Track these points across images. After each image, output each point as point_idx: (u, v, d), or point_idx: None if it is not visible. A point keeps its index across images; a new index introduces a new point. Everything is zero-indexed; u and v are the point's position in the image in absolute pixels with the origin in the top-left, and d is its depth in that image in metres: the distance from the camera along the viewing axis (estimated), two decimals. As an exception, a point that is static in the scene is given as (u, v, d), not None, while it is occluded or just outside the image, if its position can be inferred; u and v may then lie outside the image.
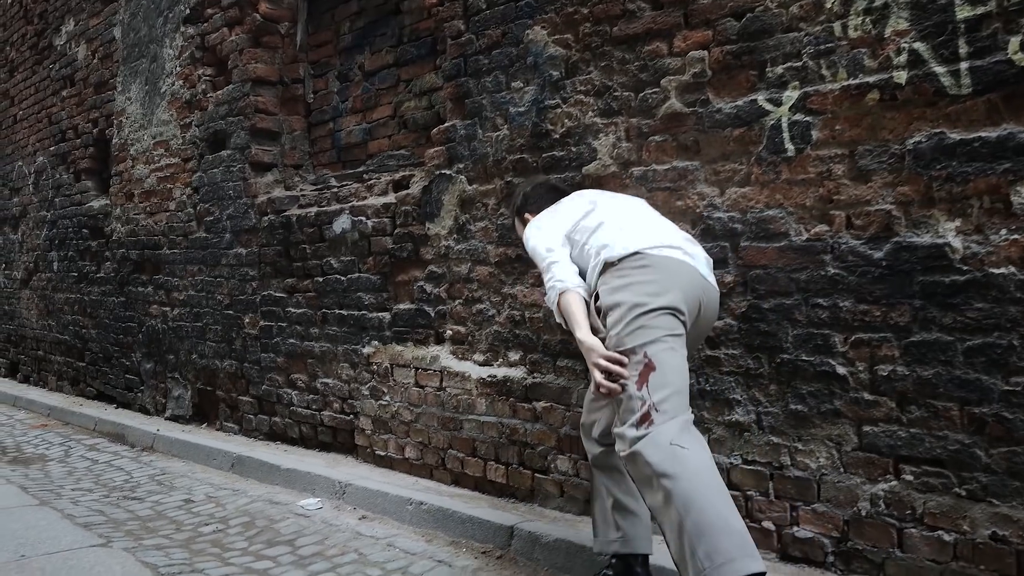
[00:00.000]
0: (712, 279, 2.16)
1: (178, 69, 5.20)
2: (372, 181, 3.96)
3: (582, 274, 2.23)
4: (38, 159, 7.20)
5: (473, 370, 3.32)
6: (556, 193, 2.62)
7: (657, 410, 1.88)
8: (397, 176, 3.84)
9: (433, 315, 3.51)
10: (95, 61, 6.30)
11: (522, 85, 3.11)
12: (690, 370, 2.06)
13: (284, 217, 4.32)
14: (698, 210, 2.57)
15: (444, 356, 3.46)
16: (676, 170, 2.63)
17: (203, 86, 4.96)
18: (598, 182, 2.85)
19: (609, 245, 2.13)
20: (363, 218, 3.85)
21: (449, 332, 3.44)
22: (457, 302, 3.40)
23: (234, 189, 4.69)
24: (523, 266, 3.12)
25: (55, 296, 6.82)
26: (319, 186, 4.34)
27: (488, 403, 3.25)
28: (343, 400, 3.99)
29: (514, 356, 3.16)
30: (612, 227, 2.19)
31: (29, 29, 7.41)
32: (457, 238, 3.39)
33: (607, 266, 2.12)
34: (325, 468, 3.79)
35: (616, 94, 2.79)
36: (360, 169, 4.19)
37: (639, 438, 1.86)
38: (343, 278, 3.97)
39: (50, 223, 6.91)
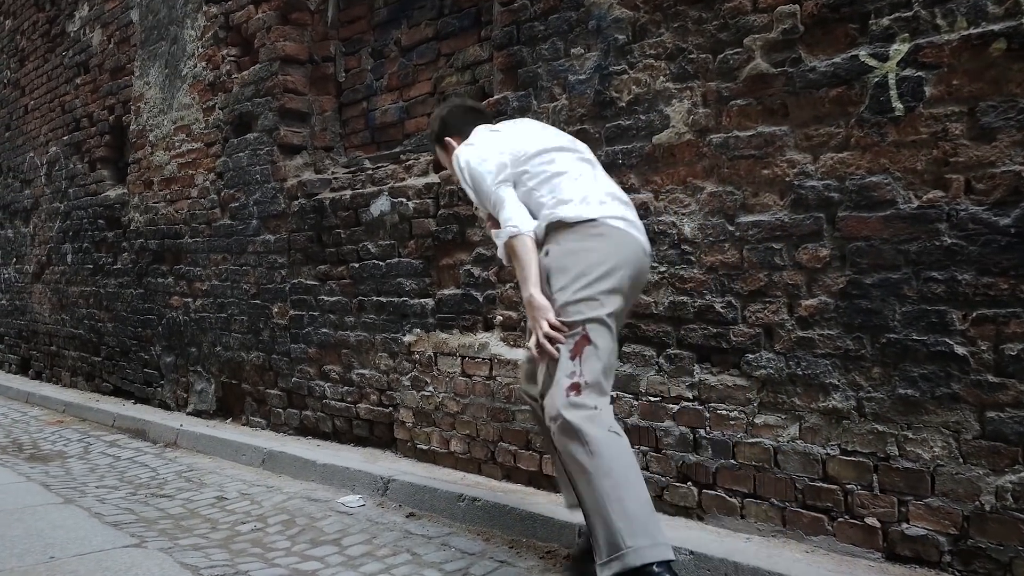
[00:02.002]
0: (648, 247, 2.21)
1: (200, 51, 5.00)
2: (411, 161, 3.76)
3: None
4: (51, 149, 7.00)
5: (526, 357, 3.11)
6: (478, 115, 2.56)
7: (586, 383, 1.99)
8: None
9: (481, 300, 3.31)
10: (111, 46, 6.10)
11: (583, 51, 2.91)
12: (779, 354, 2.31)
13: (316, 201, 4.12)
14: (787, 179, 2.36)
15: (494, 343, 3.25)
16: (762, 136, 2.42)
17: (227, 67, 4.76)
18: (670, 152, 2.65)
19: (567, 202, 2.11)
20: (404, 199, 3.65)
21: (499, 318, 3.24)
22: (508, 286, 3.20)
23: (261, 173, 4.49)
24: (584, 245, 2.91)
25: (69, 289, 6.62)
26: (352, 168, 4.14)
27: (544, 392, 3.04)
28: (381, 392, 3.79)
29: (573, 342, 2.95)
30: (571, 182, 2.16)
31: (40, 16, 7.21)
32: (508, 217, 3.17)
33: (561, 224, 2.10)
34: (364, 463, 3.59)
35: (691, 56, 2.59)
36: (397, 150, 3.98)
37: (573, 405, 1.97)
38: (381, 263, 3.77)
39: (63, 215, 6.71)
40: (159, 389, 5.43)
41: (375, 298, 3.81)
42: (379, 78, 4.15)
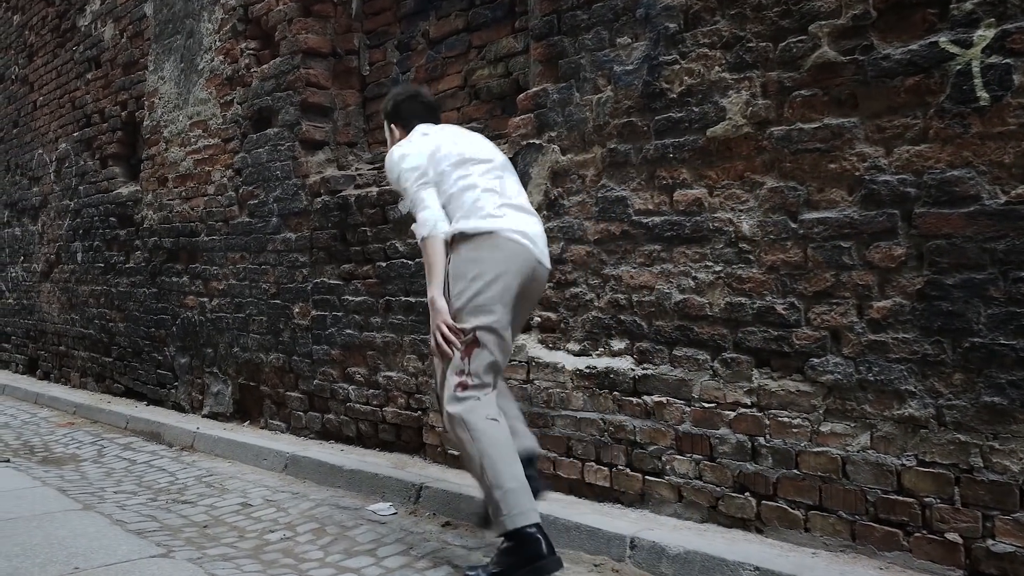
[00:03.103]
0: (547, 259, 2.48)
1: (218, 44, 4.88)
2: (439, 157, 3.62)
3: None
4: (60, 146, 6.88)
5: (567, 361, 2.99)
6: (427, 112, 2.76)
7: (473, 381, 2.31)
8: (470, 150, 3.50)
9: (518, 300, 3.18)
10: (123, 40, 5.97)
11: (630, 41, 2.78)
12: (848, 358, 2.26)
13: (340, 198, 3.99)
14: (857, 173, 2.24)
15: (531, 345, 3.13)
16: (828, 128, 2.30)
17: (246, 61, 4.64)
18: (726, 145, 2.52)
19: (469, 216, 2.37)
20: (434, 196, 3.51)
21: (537, 319, 3.11)
22: (547, 286, 3.07)
23: (282, 169, 4.37)
24: (629, 244, 2.79)
25: (79, 289, 6.50)
26: (378, 164, 4.01)
27: (587, 397, 2.92)
28: (409, 395, 3.66)
29: (618, 345, 2.83)
30: (477, 195, 2.40)
31: (50, 11, 7.09)
32: (548, 215, 3.05)
33: (463, 235, 2.36)
34: (393, 469, 3.46)
35: (750, 45, 2.46)
36: (424, 145, 3.85)
37: (458, 399, 2.30)
38: (410, 262, 3.64)
39: (73, 212, 6.59)
40: (173, 391, 5.30)
41: (403, 298, 3.68)
42: (405, 72, 4.03)
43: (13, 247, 7.76)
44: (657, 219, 2.71)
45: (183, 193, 5.18)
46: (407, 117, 2.74)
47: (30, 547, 2.77)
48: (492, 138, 3.46)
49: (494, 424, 2.30)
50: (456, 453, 3.41)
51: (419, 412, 3.61)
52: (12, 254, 7.79)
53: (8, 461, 4.25)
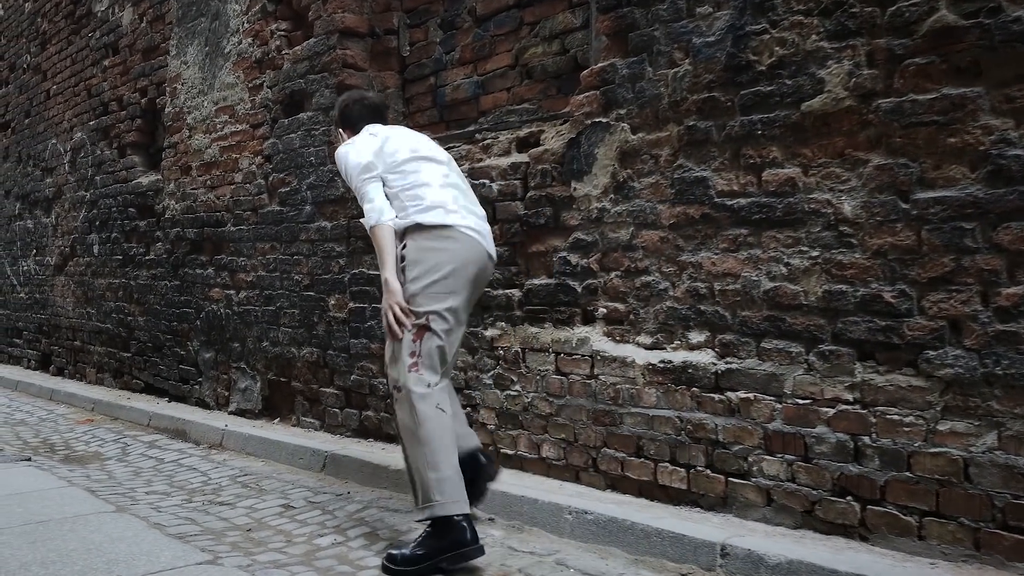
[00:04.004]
0: (493, 251, 2.64)
1: (246, 26, 4.68)
2: (488, 141, 3.43)
3: None
4: (75, 135, 6.69)
5: (637, 354, 2.80)
6: (374, 115, 2.88)
7: (423, 363, 2.41)
8: (523, 132, 3.31)
9: (580, 290, 2.99)
10: (143, 25, 5.78)
11: (711, 10, 2.59)
12: (971, 350, 2.07)
13: (381, 184, 3.79)
14: (982, 147, 2.04)
15: (596, 338, 2.93)
16: (947, 99, 2.10)
17: (277, 42, 4.44)
18: (824, 120, 2.33)
19: (426, 210, 2.48)
20: (486, 181, 3.32)
21: (602, 310, 2.92)
22: (613, 274, 2.88)
23: (316, 155, 4.17)
24: (710, 228, 2.60)
25: (95, 282, 6.31)
26: (419, 149, 3.81)
27: (660, 394, 2.72)
28: (458, 391, 3.45)
29: (697, 337, 2.64)
30: (431, 191, 2.52)
31: (65, -3, 6.90)
32: (615, 198, 2.86)
33: (419, 227, 2.47)
34: (442, 469, 3.27)
35: (853, 11, 2.27)
36: (471, 128, 3.66)
37: (410, 387, 2.40)
38: (458, 251, 3.44)
39: (89, 203, 6.40)
40: (197, 387, 5.11)
41: (450, 289, 3.48)
42: (449, 51, 3.83)
43: (25, 240, 7.57)
44: (743, 201, 2.51)
45: (208, 182, 4.99)
46: (354, 120, 2.87)
47: (66, 553, 2.58)
48: (547, 119, 3.30)
49: (441, 414, 2.42)
50: (506, 451, 3.23)
51: (468, 409, 3.41)
52: (24, 247, 7.60)
53: (29, 459, 4.07)
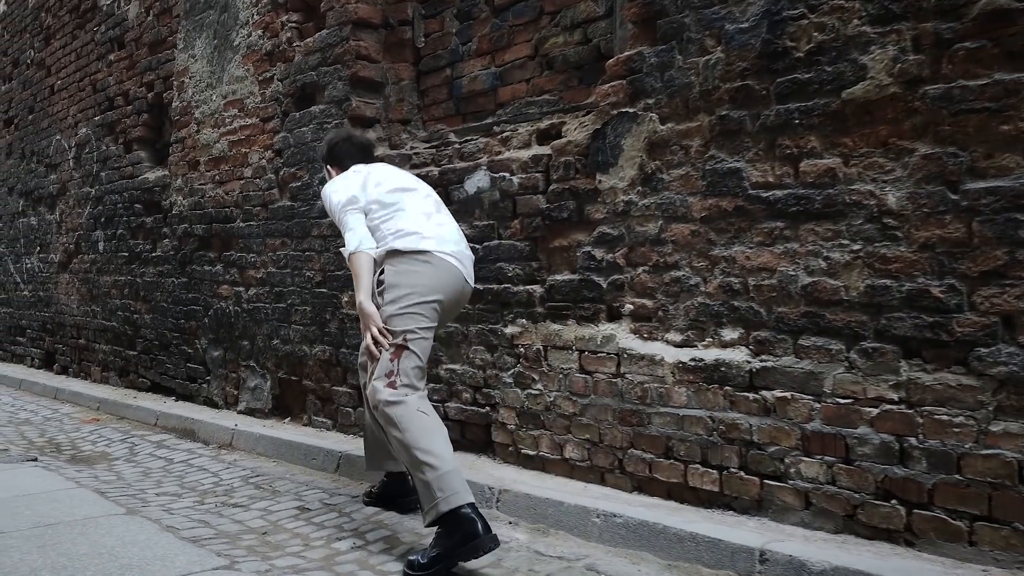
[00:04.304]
0: (471, 276, 2.75)
1: (256, 18, 4.59)
2: (506, 133, 3.34)
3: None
4: (80, 131, 6.60)
5: (666, 352, 2.71)
6: (363, 154, 3.04)
7: (401, 381, 2.48)
8: (543, 124, 3.22)
9: (605, 286, 2.90)
10: (149, 19, 5.69)
11: (746, -5, 2.49)
12: None
13: (396, 178, 3.70)
14: (1038, 135, 1.95)
15: (622, 336, 2.84)
16: (999, 85, 2.01)
17: (288, 34, 4.35)
18: (866, 108, 2.24)
19: (403, 236, 2.59)
20: (506, 174, 3.24)
21: (629, 306, 2.83)
22: (641, 269, 2.79)
23: (328, 149, 4.08)
24: (744, 221, 2.51)
25: (100, 279, 6.22)
26: (435, 143, 3.72)
27: (691, 393, 2.63)
28: (475, 389, 3.38)
29: (730, 334, 2.55)
30: (408, 219, 2.64)
31: (69, -9, 6.80)
32: (643, 191, 2.77)
33: (397, 252, 2.58)
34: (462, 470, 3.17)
35: (898, -6, 2.17)
36: (489, 120, 3.58)
37: (388, 400, 2.45)
38: (477, 246, 3.35)
39: (95, 200, 6.31)
40: (205, 386, 5.02)
41: (468, 285, 3.40)
42: (466, 42, 3.74)
43: (28, 237, 7.48)
44: (779, 193, 2.42)
45: (216, 177, 4.90)
46: (342, 158, 3.01)
47: (76, 557, 2.50)
48: (569, 110, 3.21)
49: (422, 415, 2.46)
50: (527, 452, 3.14)
51: (487, 408, 3.33)
52: (27, 244, 7.51)
53: (36, 460, 3.98)
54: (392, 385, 2.48)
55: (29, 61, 7.55)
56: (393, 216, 2.66)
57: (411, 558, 2.36)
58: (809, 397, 2.35)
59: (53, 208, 7.01)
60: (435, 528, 2.37)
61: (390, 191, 2.73)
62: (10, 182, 7.87)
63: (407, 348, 2.51)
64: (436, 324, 2.62)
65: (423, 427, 2.43)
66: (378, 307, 2.57)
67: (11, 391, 6.61)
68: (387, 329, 2.52)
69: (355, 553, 2.58)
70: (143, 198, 5.65)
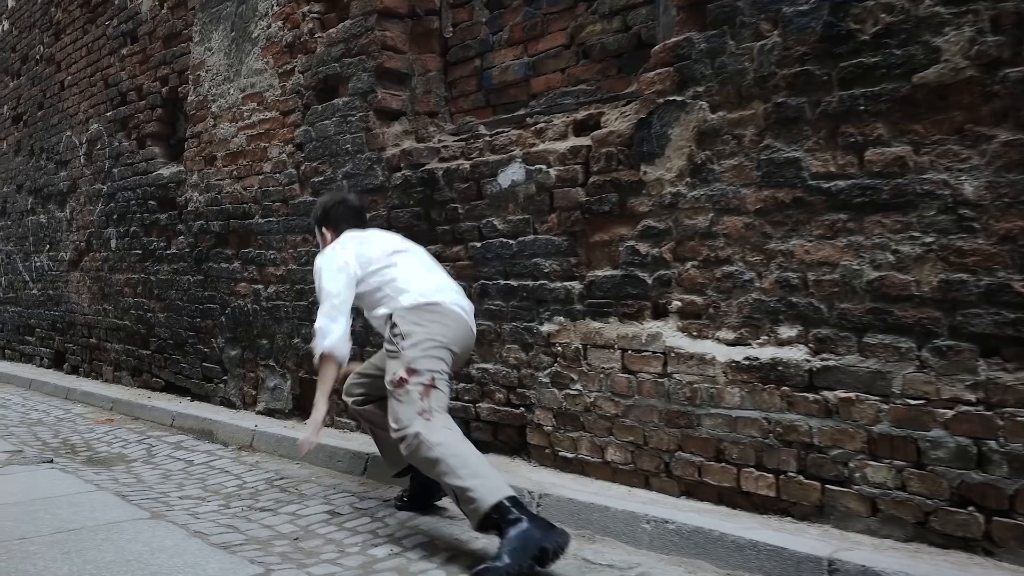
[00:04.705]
0: (474, 326, 2.82)
1: (275, 9, 4.48)
2: (540, 125, 3.23)
3: (356, 309, 2.84)
4: (91, 127, 6.49)
5: (717, 351, 2.59)
6: (357, 218, 3.09)
7: (432, 412, 2.51)
8: (580, 115, 3.11)
9: (650, 282, 2.78)
10: (164, 11, 5.58)
11: (806, -24, 2.38)
12: None
13: (425, 172, 3.60)
14: None
15: (669, 334, 2.73)
16: (1090, 67, 1.89)
17: (310, 25, 4.24)
18: (939, 93, 2.12)
19: (407, 292, 2.69)
20: (543, 167, 3.12)
21: (676, 303, 2.71)
22: (689, 264, 2.67)
23: (353, 142, 3.97)
24: (803, 213, 2.39)
25: (112, 277, 6.11)
26: (464, 135, 3.61)
27: (745, 393, 2.52)
28: (509, 389, 3.26)
29: (788, 332, 2.43)
30: (411, 277, 2.75)
31: (80, -15, 6.69)
32: (692, 182, 2.66)
33: (404, 309, 2.67)
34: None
35: (976, -28, 2.06)
36: (521, 112, 3.46)
37: (418, 431, 2.46)
38: (511, 241, 3.25)
39: (107, 197, 6.20)
40: (221, 386, 4.91)
41: (502, 282, 3.28)
42: (496, 32, 3.63)
43: (38, 235, 7.37)
44: (842, 183, 2.31)
45: (234, 172, 4.79)
46: (337, 221, 3.05)
47: (103, 565, 2.39)
48: (607, 100, 3.10)
49: (449, 431, 2.49)
50: (564, 454, 3.02)
51: (521, 409, 3.21)
52: (37, 242, 7.40)
53: (52, 461, 3.87)
54: (426, 415, 2.50)
55: (38, 57, 7.44)
56: (394, 279, 2.74)
57: (483, 567, 2.22)
58: (876, 398, 2.23)
59: (63, 205, 6.90)
60: (490, 533, 2.35)
61: (388, 254, 2.81)
62: (19, 179, 7.77)
63: (435, 387, 2.55)
64: (450, 367, 2.67)
65: (453, 439, 2.46)
66: (393, 356, 2.62)
67: (21, 391, 6.50)
68: (412, 369, 2.55)
69: (393, 560, 2.47)
70: (157, 194, 5.54)
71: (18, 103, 7.85)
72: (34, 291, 7.45)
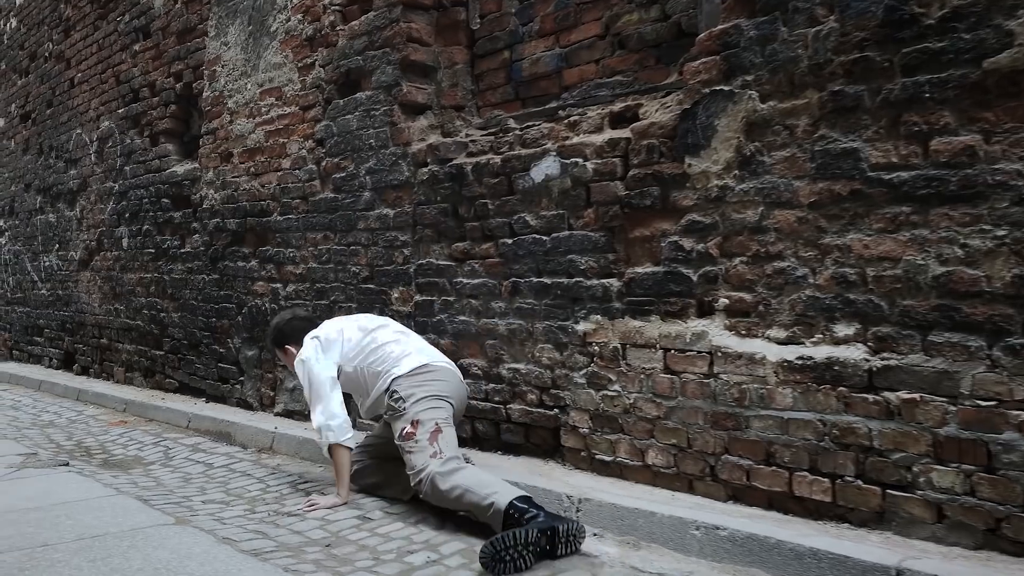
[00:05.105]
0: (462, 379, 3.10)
1: (295, 1, 4.39)
2: (574, 117, 3.14)
3: (347, 393, 3.11)
4: (103, 124, 6.40)
5: (768, 350, 2.49)
6: (307, 324, 3.28)
7: (442, 453, 2.69)
8: (617, 107, 3.01)
9: (695, 279, 2.69)
10: (178, 6, 5.48)
11: (865, -41, 2.28)
12: None
13: (453, 167, 3.50)
14: None
15: (715, 332, 2.63)
16: None
17: (331, 18, 4.15)
18: (1012, 79, 2.02)
19: (398, 361, 2.95)
20: (579, 160, 3.02)
21: (723, 301, 2.61)
22: (738, 260, 2.57)
23: (376, 137, 3.87)
24: (862, 206, 2.29)
25: (124, 277, 6.02)
26: (492, 129, 3.51)
27: (798, 394, 2.41)
28: (542, 390, 3.16)
29: (845, 330, 2.33)
30: (395, 348, 3.00)
31: (91, -19, 6.60)
32: (740, 175, 2.56)
33: (400, 377, 2.91)
34: (531, 476, 2.96)
35: (1053, -49, 1.96)
36: (553, 104, 3.36)
37: (439, 471, 2.63)
38: (545, 238, 3.15)
39: (118, 195, 6.11)
40: (238, 386, 4.81)
41: (534, 279, 3.19)
42: (526, 22, 3.53)
43: (47, 235, 7.28)
44: (904, 174, 2.21)
45: (251, 169, 4.69)
46: (295, 334, 3.24)
47: (131, 573, 2.29)
48: (645, 91, 3.01)
49: (457, 469, 2.65)
50: (601, 457, 2.92)
51: (555, 410, 3.11)
52: (46, 242, 7.31)
53: (67, 464, 3.77)
54: (438, 457, 2.68)
55: (48, 54, 7.35)
56: (379, 356, 2.98)
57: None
58: (942, 399, 2.13)
59: (73, 204, 6.81)
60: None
61: (362, 336, 3.05)
62: (27, 178, 7.67)
63: (441, 431, 2.75)
64: (452, 416, 2.87)
65: (466, 472, 2.63)
66: (399, 416, 2.84)
67: (31, 392, 6.41)
68: (417, 422, 2.76)
69: (432, 568, 2.37)
70: (171, 192, 5.44)
71: (26, 101, 7.76)
72: (43, 291, 7.36)
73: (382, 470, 3.09)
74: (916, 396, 2.18)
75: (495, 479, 2.59)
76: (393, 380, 2.90)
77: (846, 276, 2.32)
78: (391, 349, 2.99)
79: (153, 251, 5.63)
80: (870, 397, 2.27)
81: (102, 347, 6.38)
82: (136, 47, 5.95)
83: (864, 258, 2.29)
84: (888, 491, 2.23)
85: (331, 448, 2.97)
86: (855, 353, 2.30)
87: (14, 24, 8.03)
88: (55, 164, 7.14)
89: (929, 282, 2.16)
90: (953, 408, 2.11)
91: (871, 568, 2.02)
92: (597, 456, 2.97)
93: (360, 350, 3.03)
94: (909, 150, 2.20)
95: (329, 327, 3.16)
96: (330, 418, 2.96)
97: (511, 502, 2.43)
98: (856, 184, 2.30)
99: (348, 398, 3.15)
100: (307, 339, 3.13)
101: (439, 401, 2.85)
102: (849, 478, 2.31)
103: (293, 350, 3.20)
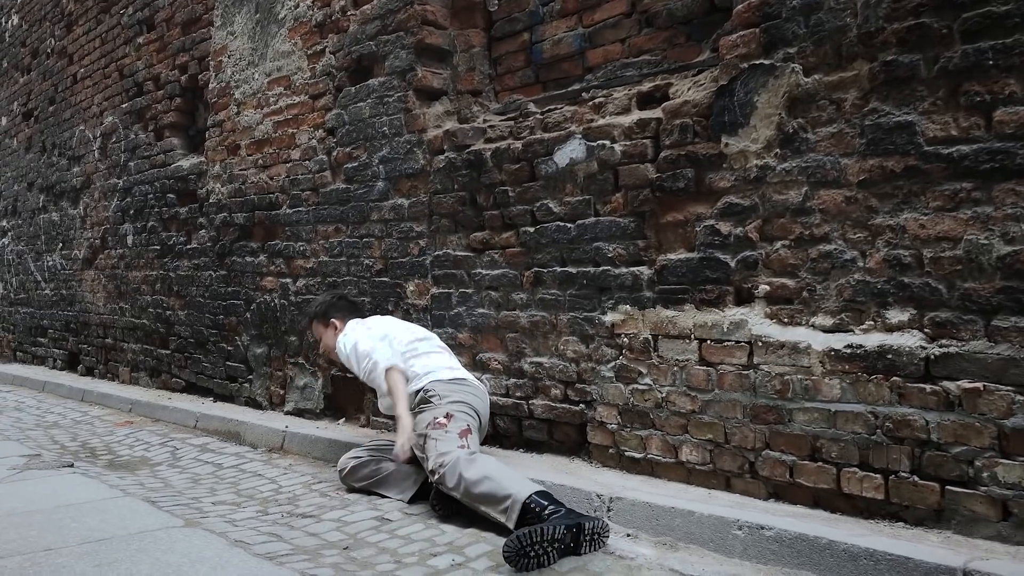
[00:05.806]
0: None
1: (304, -13, 4.25)
2: (599, 99, 3.00)
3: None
4: (106, 120, 6.27)
5: (813, 339, 2.35)
6: (355, 309, 3.46)
7: (469, 447, 2.71)
8: (645, 87, 2.87)
9: (733, 265, 2.54)
10: (182, -3, 5.36)
11: (918, -81, 2.13)
12: None
13: (471, 154, 3.36)
14: None
15: (755, 321, 2.48)
16: None
17: (341, 2, 4.01)
18: (1085, 43, 1.87)
19: (435, 371, 3.02)
20: (606, 142, 2.88)
21: (764, 287, 2.47)
22: (779, 244, 2.43)
23: (390, 125, 3.74)
24: (917, 183, 2.15)
25: (129, 275, 5.88)
26: (511, 114, 3.37)
27: (846, 385, 2.27)
28: (567, 384, 3.02)
29: (898, 316, 2.18)
30: (433, 359, 3.09)
31: (93, -25, 6.48)
32: (782, 153, 2.41)
33: (437, 382, 2.97)
34: (557, 474, 2.82)
35: None
36: (577, 87, 3.22)
37: (459, 456, 2.61)
38: (569, 225, 3.01)
39: (123, 191, 5.97)
40: (247, 385, 4.67)
41: (558, 268, 3.04)
42: (547, 3, 3.39)
43: (50, 233, 7.15)
44: (965, 148, 2.06)
45: (259, 161, 4.56)
46: (341, 314, 3.36)
47: (140, 578, 2.14)
48: (675, 70, 2.87)
49: (478, 458, 2.61)
50: (631, 454, 2.77)
51: (581, 405, 2.97)
52: (49, 241, 7.18)
53: (72, 466, 3.64)
54: (464, 448, 2.67)
55: (49, 50, 7.23)
56: (418, 358, 3.06)
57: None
58: (1008, 388, 1.99)
59: (76, 202, 6.68)
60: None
61: (410, 340, 3.13)
62: (30, 177, 7.55)
63: (471, 432, 2.79)
64: (478, 427, 2.93)
65: (479, 468, 2.54)
66: (431, 408, 2.87)
67: (35, 393, 6.28)
68: (450, 415, 2.80)
69: (458, 572, 2.22)
70: (176, 187, 5.31)
71: (28, 99, 7.63)
72: (46, 291, 7.23)
73: (381, 470, 3.00)
74: (979, 385, 2.03)
75: (519, 475, 2.56)
76: (431, 382, 2.96)
77: (900, 258, 2.18)
78: (434, 359, 3.08)
79: (158, 248, 5.49)
80: (927, 387, 2.12)
81: (107, 347, 6.24)
82: (140, 40, 5.82)
83: (920, 239, 2.14)
84: (947, 487, 2.09)
85: (386, 373, 2.99)
86: (910, 340, 2.15)
87: (16, 21, 7.91)
88: (58, 162, 7.01)
89: (993, 263, 2.01)
90: (1020, 398, 1.97)
91: (934, 570, 1.87)
92: (626, 453, 2.82)
93: (405, 351, 3.09)
94: (970, 122, 2.05)
95: (378, 322, 3.27)
96: (377, 360, 3.01)
97: (531, 495, 2.38)
98: (911, 160, 2.15)
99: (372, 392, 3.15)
100: (352, 323, 3.24)
101: (472, 411, 2.91)
102: (904, 474, 2.16)
103: (339, 325, 3.29)
